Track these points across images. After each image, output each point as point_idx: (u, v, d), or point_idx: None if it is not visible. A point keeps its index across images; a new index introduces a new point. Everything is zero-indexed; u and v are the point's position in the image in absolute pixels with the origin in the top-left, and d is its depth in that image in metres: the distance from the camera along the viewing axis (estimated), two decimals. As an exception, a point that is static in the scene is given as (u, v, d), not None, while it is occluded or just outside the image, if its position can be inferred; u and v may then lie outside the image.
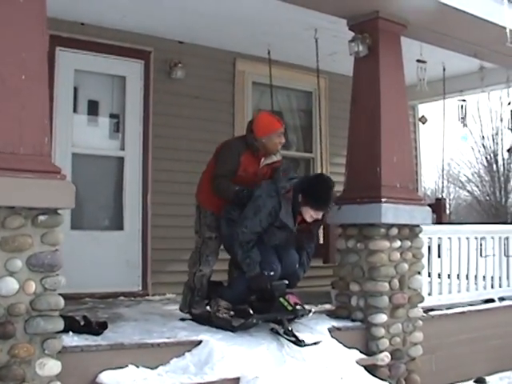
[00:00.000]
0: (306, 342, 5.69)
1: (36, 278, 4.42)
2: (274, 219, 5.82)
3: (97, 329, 5.37)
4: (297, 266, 6.11)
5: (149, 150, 8.56)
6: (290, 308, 5.77)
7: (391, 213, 6.53)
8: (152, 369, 5.11)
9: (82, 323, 5.40)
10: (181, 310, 6.52)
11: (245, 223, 5.82)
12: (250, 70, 9.62)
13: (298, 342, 5.66)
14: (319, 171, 9.47)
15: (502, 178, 33.94)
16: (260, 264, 5.84)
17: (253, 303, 5.96)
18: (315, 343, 5.72)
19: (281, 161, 6.42)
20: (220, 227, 6.20)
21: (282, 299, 5.78)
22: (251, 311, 5.82)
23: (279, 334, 5.76)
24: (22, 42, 4.54)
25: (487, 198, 35.02)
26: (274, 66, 9.25)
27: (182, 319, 6.28)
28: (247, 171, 6.19)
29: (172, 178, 8.60)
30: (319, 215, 5.93)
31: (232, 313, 6.06)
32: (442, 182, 22.33)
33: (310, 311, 5.98)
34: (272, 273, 5.84)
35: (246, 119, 9.18)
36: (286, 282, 5.93)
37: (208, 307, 6.32)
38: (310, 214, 5.88)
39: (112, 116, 8.64)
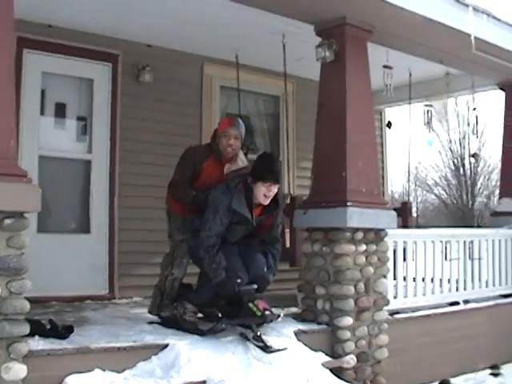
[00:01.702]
0: (273, 348, 5.70)
1: (1, 282, 4.40)
2: (232, 215, 5.87)
3: (63, 332, 5.34)
4: (265, 269, 6.13)
5: (116, 153, 8.55)
6: (259, 314, 5.77)
7: (356, 217, 6.58)
8: (118, 372, 5.10)
9: (48, 327, 5.37)
10: (150, 312, 6.53)
11: (207, 226, 5.86)
12: (218, 74, 9.65)
13: (266, 348, 5.67)
14: (286, 175, 9.50)
15: (468, 182, 34.32)
16: (226, 272, 5.85)
17: (222, 307, 5.98)
18: (282, 349, 5.73)
19: (247, 167, 6.43)
20: (187, 237, 6.25)
21: (251, 304, 5.78)
22: (220, 315, 5.85)
23: (248, 339, 5.77)
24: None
25: (454, 201, 35.38)
26: (241, 70, 9.28)
27: (151, 322, 6.29)
28: (212, 177, 6.21)
29: (139, 182, 8.59)
30: (271, 190, 5.92)
31: (200, 315, 6.09)
32: (409, 186, 22.53)
33: (278, 316, 5.99)
34: (239, 280, 5.83)
35: (213, 123, 9.21)
36: (255, 286, 5.94)
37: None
38: (262, 193, 5.90)
39: (79, 119, 8.59)
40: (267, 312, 5.84)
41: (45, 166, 8.03)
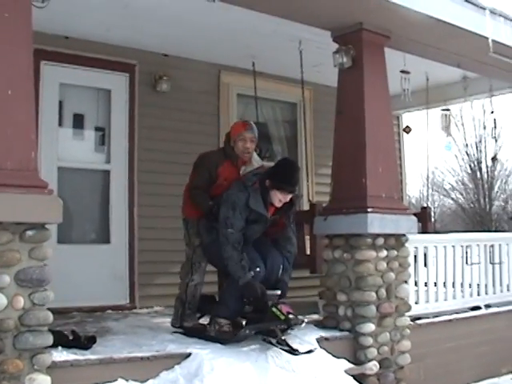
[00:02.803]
0: (299, 351, 5.70)
1: (24, 294, 4.42)
2: (249, 213, 5.87)
3: (86, 343, 5.35)
4: (281, 267, 6.10)
5: (134, 163, 8.56)
6: (282, 317, 5.73)
7: (377, 223, 6.56)
8: (141, 382, 5.10)
9: (71, 337, 5.39)
10: (172, 324, 6.51)
11: (229, 222, 5.84)
12: (235, 82, 9.66)
13: (292, 351, 5.66)
14: (305, 182, 9.50)
15: (485, 186, 34.14)
16: None
17: (246, 314, 5.99)
18: (309, 351, 5.73)
19: (263, 167, 6.44)
20: (201, 237, 6.26)
21: (274, 309, 5.75)
22: (244, 323, 5.84)
23: (272, 343, 5.74)
24: (8, 57, 4.55)
25: (471, 205, 35.21)
26: (258, 78, 9.28)
27: (175, 332, 6.27)
28: (229, 179, 6.22)
29: (158, 191, 8.58)
30: (287, 198, 5.94)
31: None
32: (427, 191, 22.44)
33: (302, 321, 5.94)
34: (258, 269, 5.84)
35: (231, 131, 9.23)
36: (279, 292, 5.94)
37: (200, 320, 6.37)
38: (278, 198, 5.91)
39: (97, 129, 8.62)
40: (291, 316, 5.79)
41: (64, 177, 8.05)
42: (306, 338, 6.15)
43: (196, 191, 6.29)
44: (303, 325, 5.98)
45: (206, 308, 6.37)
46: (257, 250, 6.04)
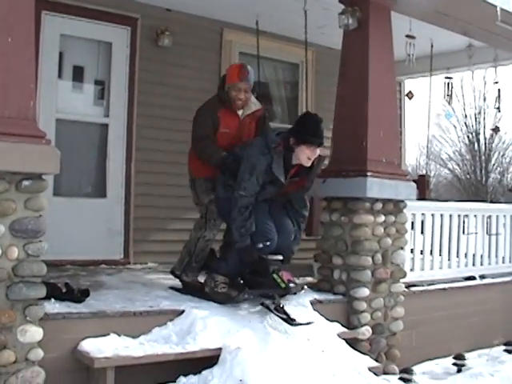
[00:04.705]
0: (297, 321, 5.64)
1: (19, 244, 4.39)
2: (268, 175, 5.68)
3: (79, 296, 5.35)
4: (292, 238, 6.01)
5: (133, 118, 8.46)
6: (283, 285, 5.69)
7: (376, 187, 6.53)
8: (134, 337, 5.11)
9: (64, 290, 5.39)
10: (172, 270, 6.43)
11: (242, 185, 5.66)
12: (238, 40, 9.53)
13: (290, 321, 5.60)
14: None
15: (483, 158, 34.03)
16: (255, 234, 5.71)
17: (245, 276, 5.93)
18: (307, 323, 5.68)
19: (262, 108, 6.33)
20: (216, 190, 6.03)
21: (275, 275, 5.69)
22: (243, 285, 5.82)
23: (270, 309, 5.69)
24: (9, 4, 4.46)
25: (468, 176, 35.14)
26: (261, 37, 9.14)
27: (172, 287, 6.26)
28: (229, 127, 6.09)
29: (156, 147, 8.51)
30: (315, 153, 5.74)
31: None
32: (427, 159, 22.37)
33: (302, 288, 5.92)
34: (268, 243, 5.72)
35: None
36: (281, 257, 5.85)
37: (201, 280, 6.26)
38: (306, 155, 5.72)
39: (97, 82, 8.52)
40: (291, 284, 5.76)
41: (62, 130, 7.96)
42: (299, 300, 6.15)
43: (204, 142, 6.06)
44: (303, 292, 5.97)
45: (205, 263, 6.29)
46: (271, 213, 5.92)
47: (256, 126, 6.21)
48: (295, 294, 5.89)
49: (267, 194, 5.85)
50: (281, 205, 6.07)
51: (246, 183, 5.66)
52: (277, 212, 5.99)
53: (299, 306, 5.99)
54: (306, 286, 6.10)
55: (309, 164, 5.79)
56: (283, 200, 6.07)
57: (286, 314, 5.67)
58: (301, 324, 5.64)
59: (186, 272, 6.30)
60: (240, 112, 6.21)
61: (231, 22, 9.30)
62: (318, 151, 5.78)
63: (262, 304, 5.76)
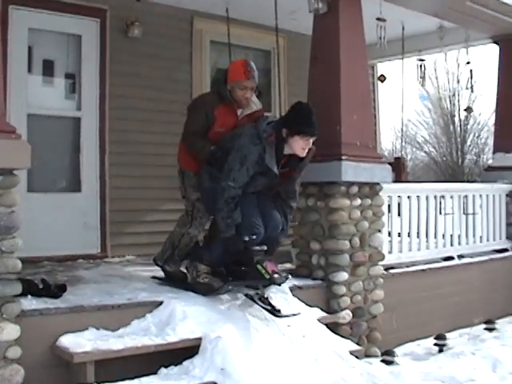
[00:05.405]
0: (283, 313, 5.60)
1: (-8, 241, 4.34)
2: (260, 166, 5.56)
3: (56, 292, 5.30)
4: (279, 230, 5.89)
5: (106, 110, 8.38)
6: (267, 276, 5.61)
7: (351, 171, 6.53)
8: (113, 331, 5.07)
9: (41, 286, 5.33)
10: (155, 259, 6.33)
11: (231, 175, 5.52)
12: (208, 29, 9.47)
13: (275, 312, 5.57)
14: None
15: (458, 139, 34.22)
16: (241, 226, 5.59)
17: (229, 266, 5.89)
18: (292, 315, 5.64)
19: (261, 110, 6.21)
20: (202, 180, 5.92)
21: (259, 266, 5.61)
22: (227, 276, 5.78)
23: (254, 301, 5.65)
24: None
25: (444, 158, 35.32)
26: (232, 25, 9.10)
27: (154, 277, 6.24)
28: (226, 125, 5.94)
29: (130, 139, 8.44)
30: (309, 143, 5.65)
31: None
32: (402, 142, 22.45)
33: (287, 278, 5.85)
34: (254, 237, 5.61)
35: (203, 78, 9.13)
36: (265, 248, 5.76)
37: (184, 269, 6.20)
38: (300, 146, 5.62)
39: (68, 76, 8.43)
40: (276, 275, 5.69)
41: (34, 125, 7.87)
42: (279, 286, 6.11)
43: (193, 138, 5.94)
44: (287, 282, 5.93)
45: (188, 252, 6.17)
46: (259, 204, 5.79)
47: None
48: (279, 285, 5.82)
49: (258, 186, 5.73)
50: (269, 196, 5.95)
51: (235, 174, 5.53)
52: (265, 203, 5.85)
53: (279, 292, 5.96)
54: (290, 276, 6.01)
55: (304, 154, 5.71)
56: (271, 193, 5.96)
57: (270, 305, 5.63)
58: (287, 316, 5.60)
59: (169, 263, 6.23)
60: (239, 111, 6.09)
61: (201, 10, 9.25)
62: (312, 141, 5.70)
63: (246, 295, 5.73)
